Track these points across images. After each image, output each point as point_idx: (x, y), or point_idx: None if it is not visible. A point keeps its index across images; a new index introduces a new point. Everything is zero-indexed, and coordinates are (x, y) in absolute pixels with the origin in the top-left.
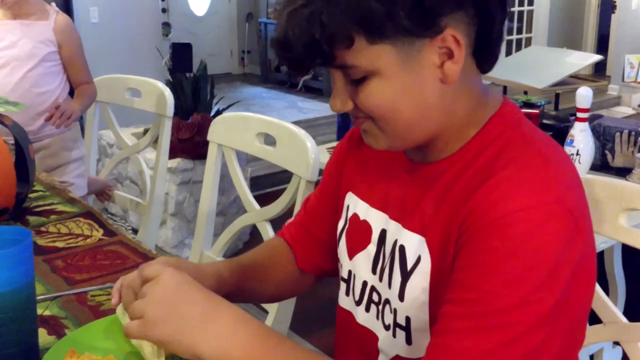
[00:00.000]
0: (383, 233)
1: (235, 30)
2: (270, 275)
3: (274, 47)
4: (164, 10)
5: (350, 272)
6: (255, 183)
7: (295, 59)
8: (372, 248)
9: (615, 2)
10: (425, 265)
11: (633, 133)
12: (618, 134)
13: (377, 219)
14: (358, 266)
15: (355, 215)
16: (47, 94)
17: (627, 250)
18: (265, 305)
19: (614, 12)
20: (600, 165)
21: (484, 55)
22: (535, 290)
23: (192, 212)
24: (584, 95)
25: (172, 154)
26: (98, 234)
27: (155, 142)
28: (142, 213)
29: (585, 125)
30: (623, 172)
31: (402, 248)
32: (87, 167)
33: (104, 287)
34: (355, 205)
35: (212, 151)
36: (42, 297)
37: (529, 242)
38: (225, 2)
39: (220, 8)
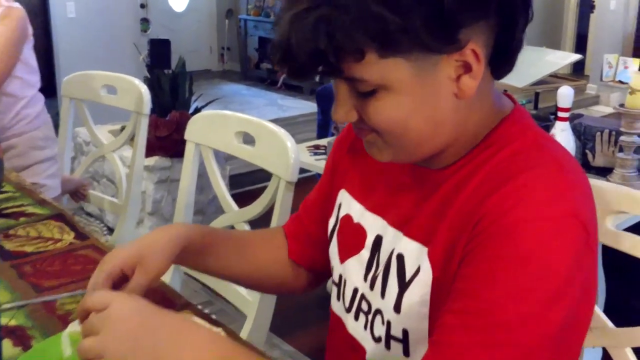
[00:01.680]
0: (378, 239)
1: (214, 27)
2: (259, 253)
3: (273, 53)
4: (142, 6)
5: (341, 276)
6: (234, 181)
7: (297, 67)
8: (365, 254)
9: (593, 2)
10: (426, 275)
11: (613, 133)
12: (598, 133)
13: (372, 224)
14: (349, 271)
15: (348, 217)
16: (9, 95)
17: (610, 252)
18: (244, 309)
19: (592, 12)
20: (581, 165)
21: (502, 62)
22: (542, 305)
23: (170, 210)
24: (565, 94)
25: (150, 152)
26: (69, 237)
27: (132, 139)
28: (118, 213)
29: (566, 124)
30: (604, 172)
31: (400, 257)
32: (60, 167)
33: (74, 295)
34: (348, 205)
35: (189, 150)
36: (8, 305)
37: (539, 254)
38: None
39: (199, 4)
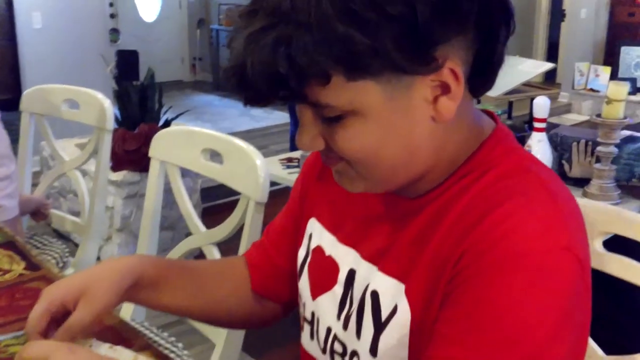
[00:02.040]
0: (351, 274)
1: (186, 37)
2: (218, 287)
3: (227, 78)
4: (112, 16)
5: (313, 314)
6: (206, 194)
7: (255, 94)
8: (338, 290)
9: (564, 10)
10: (404, 316)
11: (590, 143)
12: (575, 143)
13: (345, 257)
14: (322, 309)
15: (319, 249)
16: None
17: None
18: (212, 337)
19: (563, 20)
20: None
21: (482, 79)
22: (536, 353)
23: (140, 226)
24: (541, 104)
25: (118, 166)
26: (19, 267)
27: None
28: (81, 233)
29: (543, 135)
30: (581, 183)
31: (374, 294)
32: (20, 185)
33: (20, 336)
34: (320, 236)
35: (154, 168)
36: None
37: (532, 295)
38: (176, 8)
39: (170, 14)
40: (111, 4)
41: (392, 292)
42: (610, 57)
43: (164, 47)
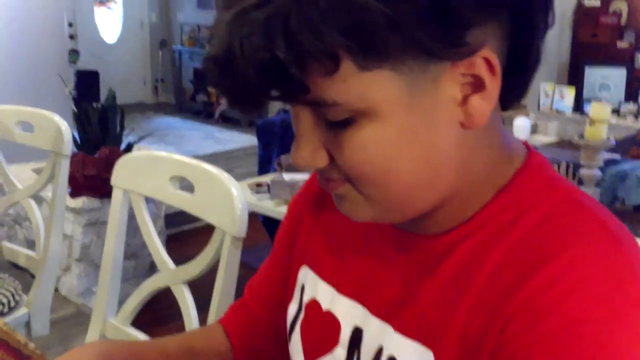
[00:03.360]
0: (357, 333)
1: (148, 58)
2: None
3: (208, 69)
4: (71, 37)
5: None
6: (171, 221)
7: (242, 88)
8: (340, 353)
9: None
10: None
11: (571, 165)
12: (556, 166)
13: (348, 311)
14: None
15: (314, 303)
16: None
17: None
18: None
19: None
20: None
21: (516, 81)
22: None
23: (100, 256)
24: (522, 125)
25: (77, 192)
26: None
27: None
28: (36, 268)
29: None
30: None
31: None
32: None
33: None
34: (314, 287)
35: (116, 198)
36: None
37: None
38: (137, 29)
39: (132, 35)
40: (70, 24)
41: (415, 358)
42: (575, 78)
43: (125, 68)
